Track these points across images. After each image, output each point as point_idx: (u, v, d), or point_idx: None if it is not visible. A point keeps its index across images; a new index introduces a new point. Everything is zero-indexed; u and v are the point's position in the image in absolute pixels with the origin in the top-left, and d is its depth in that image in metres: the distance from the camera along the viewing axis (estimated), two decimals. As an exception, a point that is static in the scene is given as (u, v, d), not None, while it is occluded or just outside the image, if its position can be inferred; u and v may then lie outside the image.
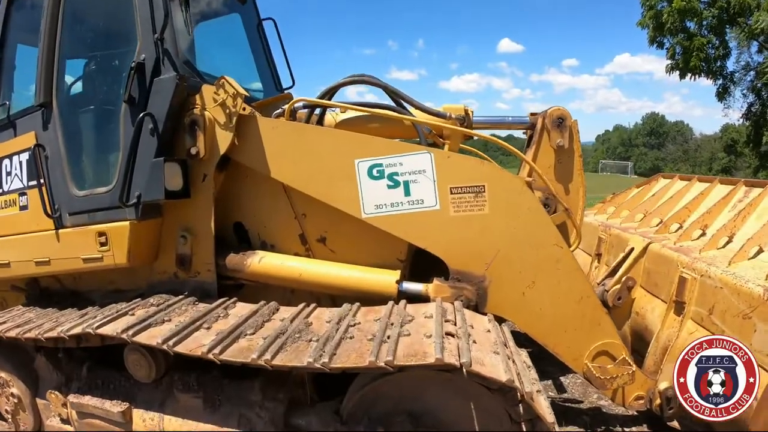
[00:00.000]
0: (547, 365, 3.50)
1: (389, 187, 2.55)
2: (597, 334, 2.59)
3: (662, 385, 2.70)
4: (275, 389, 2.37)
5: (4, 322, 2.93)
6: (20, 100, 3.23)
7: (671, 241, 3.32)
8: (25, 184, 3.08)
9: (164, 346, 2.13)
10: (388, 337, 1.95)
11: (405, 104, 2.89)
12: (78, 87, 3.25)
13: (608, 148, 72.10)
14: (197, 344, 2.14)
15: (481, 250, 2.52)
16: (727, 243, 2.93)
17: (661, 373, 2.81)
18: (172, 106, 2.61)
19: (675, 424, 2.80)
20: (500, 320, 2.54)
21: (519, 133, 3.20)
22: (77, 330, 2.45)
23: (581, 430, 3.37)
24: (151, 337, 2.23)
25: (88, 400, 2.64)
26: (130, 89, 2.63)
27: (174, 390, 2.48)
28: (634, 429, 3.39)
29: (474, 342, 1.96)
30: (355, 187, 2.57)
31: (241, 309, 2.58)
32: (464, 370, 1.73)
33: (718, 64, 15.84)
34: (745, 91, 16.88)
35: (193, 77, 2.79)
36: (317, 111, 2.99)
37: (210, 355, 2.01)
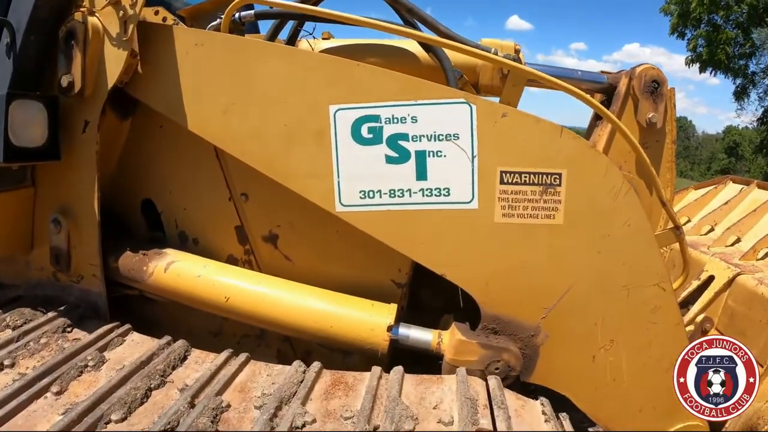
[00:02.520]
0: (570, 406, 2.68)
1: (390, 160, 1.47)
2: (682, 414, 1.70)
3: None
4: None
5: None
6: None
7: (768, 274, 2.52)
8: None
9: None
10: None
11: (425, 30, 1.79)
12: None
13: (609, 139, 73.78)
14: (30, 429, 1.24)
15: (541, 286, 1.48)
16: None
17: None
18: (39, 7, 1.63)
19: None
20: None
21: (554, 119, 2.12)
22: None
23: None
24: None
25: None
26: None
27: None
28: None
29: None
30: (326, 155, 1.48)
31: (130, 351, 1.56)
32: None
33: (742, 62, 15.24)
34: (761, 95, 16.45)
35: None
36: (283, 34, 1.91)
37: None
